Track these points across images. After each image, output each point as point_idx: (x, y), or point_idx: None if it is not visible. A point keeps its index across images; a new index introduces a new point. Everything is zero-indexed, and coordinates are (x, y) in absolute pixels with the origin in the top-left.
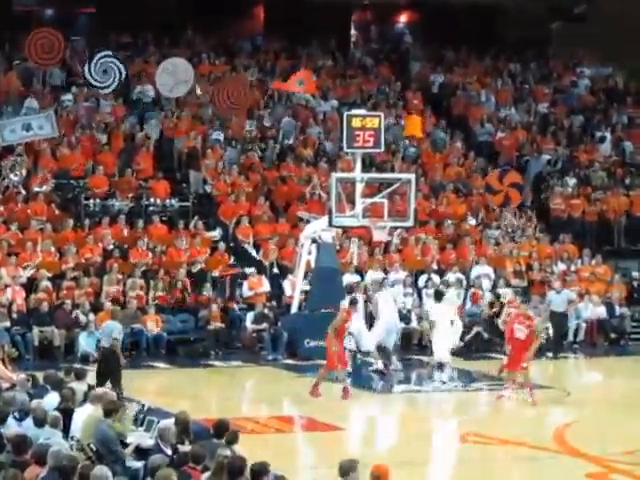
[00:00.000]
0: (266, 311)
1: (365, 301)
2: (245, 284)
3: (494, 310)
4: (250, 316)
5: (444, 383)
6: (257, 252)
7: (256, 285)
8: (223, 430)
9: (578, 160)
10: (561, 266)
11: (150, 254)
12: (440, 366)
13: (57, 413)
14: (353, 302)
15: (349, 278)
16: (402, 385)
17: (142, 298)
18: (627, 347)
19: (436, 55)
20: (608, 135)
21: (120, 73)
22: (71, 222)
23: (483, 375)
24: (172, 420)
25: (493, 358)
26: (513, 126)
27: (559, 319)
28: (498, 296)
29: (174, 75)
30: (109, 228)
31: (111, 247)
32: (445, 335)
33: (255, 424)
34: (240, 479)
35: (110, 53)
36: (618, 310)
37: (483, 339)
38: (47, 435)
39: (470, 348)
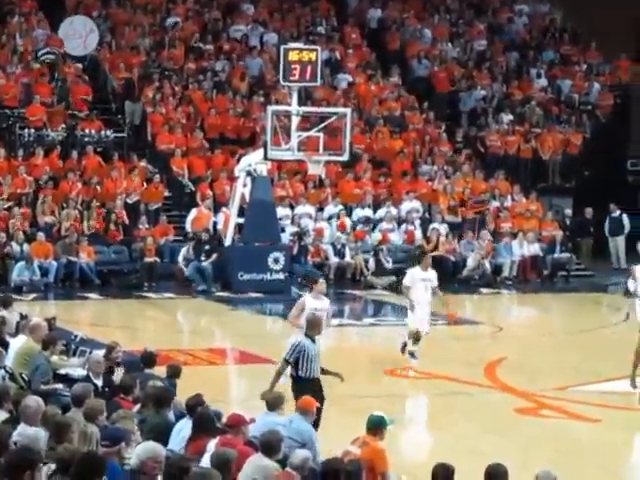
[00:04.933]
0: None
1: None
2: (192, 216)
3: (430, 246)
4: (184, 250)
5: None
6: (193, 185)
7: (205, 217)
8: (150, 360)
9: (513, 97)
10: (495, 202)
11: (80, 185)
12: None
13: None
14: None
15: (282, 211)
16: (335, 319)
17: (76, 229)
18: (558, 284)
19: None
20: (543, 72)
21: None
22: (4, 152)
23: None
24: (102, 351)
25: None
26: (449, 61)
27: None
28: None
29: (77, 33)
30: (43, 159)
31: (45, 178)
32: None
33: (188, 356)
34: (166, 410)
35: None
36: (559, 248)
37: None
38: None
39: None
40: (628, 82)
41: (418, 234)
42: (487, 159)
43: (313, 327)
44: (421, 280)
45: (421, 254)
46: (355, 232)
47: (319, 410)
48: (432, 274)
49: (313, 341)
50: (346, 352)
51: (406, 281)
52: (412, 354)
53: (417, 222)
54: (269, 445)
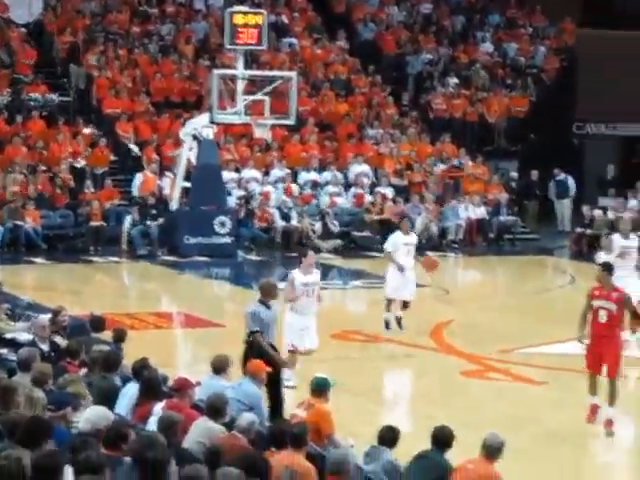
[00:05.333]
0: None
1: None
2: (138, 180)
3: (376, 209)
4: (129, 217)
5: None
6: (139, 149)
7: (150, 181)
8: (99, 324)
9: (459, 60)
10: (441, 166)
11: (25, 149)
12: None
13: None
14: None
15: (228, 175)
16: (281, 283)
17: (22, 193)
18: (504, 247)
19: None
20: (489, 36)
21: None
22: None
23: (361, 273)
24: (48, 315)
25: (370, 257)
26: (395, 25)
27: None
28: (383, 196)
29: (21, 0)
30: None
31: None
32: None
33: (135, 320)
34: (113, 374)
35: None
36: (505, 211)
37: (356, 242)
38: None
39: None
40: (574, 45)
41: (368, 197)
42: (433, 123)
43: (267, 293)
44: (404, 244)
45: (401, 219)
46: (302, 195)
47: (278, 376)
48: (414, 238)
49: (268, 307)
50: None
51: (388, 247)
52: (387, 323)
53: (366, 185)
54: (214, 408)
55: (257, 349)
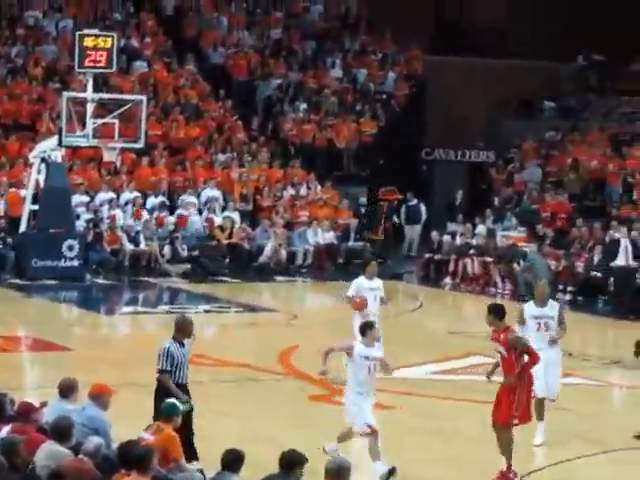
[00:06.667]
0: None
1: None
2: None
3: (225, 234)
4: None
5: None
6: None
7: None
8: None
9: (309, 86)
10: (290, 191)
11: None
12: None
13: None
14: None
15: (78, 198)
16: (130, 306)
17: None
18: (353, 272)
19: None
20: (339, 62)
21: None
22: None
23: (210, 297)
24: None
25: (218, 281)
26: (245, 50)
27: None
28: (232, 221)
29: None
30: None
31: None
32: None
33: None
34: None
35: None
36: (353, 236)
37: (204, 267)
38: None
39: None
40: (423, 72)
41: (218, 221)
42: (283, 148)
43: (181, 329)
44: (369, 290)
45: (367, 262)
46: (151, 219)
47: (189, 417)
48: (379, 283)
49: (182, 344)
50: (141, 339)
51: (349, 292)
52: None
53: (218, 210)
54: (59, 431)
55: (164, 390)
